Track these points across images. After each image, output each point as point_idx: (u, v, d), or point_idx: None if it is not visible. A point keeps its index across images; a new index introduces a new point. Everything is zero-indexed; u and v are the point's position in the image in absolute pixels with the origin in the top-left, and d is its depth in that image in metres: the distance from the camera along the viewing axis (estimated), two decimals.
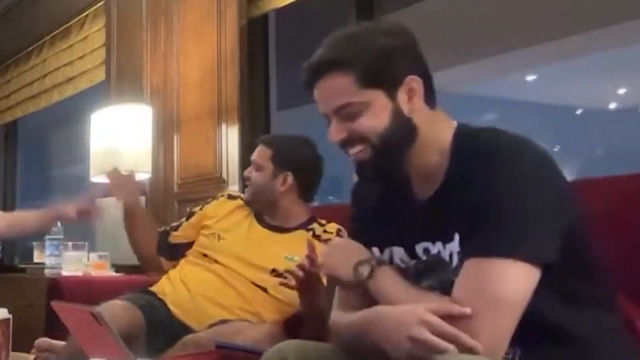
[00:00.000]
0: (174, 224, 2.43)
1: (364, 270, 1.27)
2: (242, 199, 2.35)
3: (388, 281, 1.25)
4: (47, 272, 3.27)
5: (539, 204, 1.16)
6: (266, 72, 3.37)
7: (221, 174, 3.28)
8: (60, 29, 4.75)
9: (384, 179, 1.37)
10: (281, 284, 2.10)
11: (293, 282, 2.07)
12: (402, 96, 1.26)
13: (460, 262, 1.20)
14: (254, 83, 3.29)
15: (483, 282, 1.13)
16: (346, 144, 1.30)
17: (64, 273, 3.11)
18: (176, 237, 2.36)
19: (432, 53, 1.36)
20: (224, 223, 2.26)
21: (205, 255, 2.21)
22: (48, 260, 3.29)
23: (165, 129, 3.62)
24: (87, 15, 4.47)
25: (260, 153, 2.23)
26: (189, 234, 2.33)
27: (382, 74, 1.25)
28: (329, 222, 2.20)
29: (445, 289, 1.20)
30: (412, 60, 1.28)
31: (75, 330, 1.68)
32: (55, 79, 4.81)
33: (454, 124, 1.32)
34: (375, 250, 1.37)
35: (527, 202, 1.15)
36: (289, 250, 2.12)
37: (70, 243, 3.21)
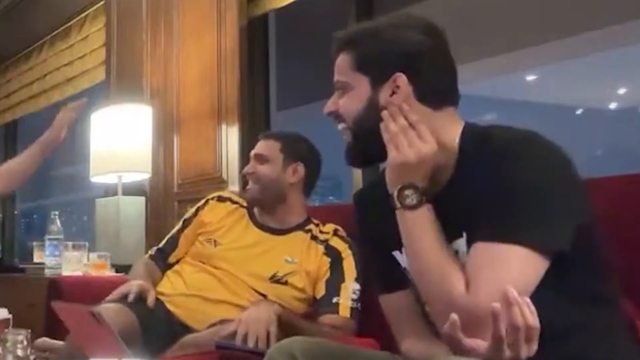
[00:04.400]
0: (164, 244, 2.34)
1: (413, 196, 1.23)
2: (231, 200, 2.32)
3: (427, 223, 1.22)
4: (47, 272, 3.26)
5: (551, 193, 1.16)
6: (266, 72, 3.37)
7: (221, 174, 3.28)
8: (60, 29, 4.76)
9: (368, 165, 1.39)
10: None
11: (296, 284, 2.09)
12: (386, 90, 1.29)
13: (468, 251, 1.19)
14: (254, 83, 3.30)
15: (488, 266, 1.13)
16: (334, 118, 1.37)
17: (64, 273, 3.11)
18: (177, 256, 2.31)
19: None
20: (220, 228, 2.23)
21: (202, 262, 2.19)
22: (48, 261, 3.28)
23: (165, 129, 3.62)
24: (87, 15, 4.47)
25: (268, 146, 2.21)
26: (187, 248, 2.29)
27: (372, 63, 1.30)
28: (324, 223, 2.19)
29: None
30: (410, 59, 1.28)
31: (75, 330, 1.68)
32: (55, 79, 4.82)
33: (462, 123, 1.32)
34: (397, 253, 1.35)
35: (538, 191, 1.15)
36: (289, 252, 2.12)
37: (70, 243, 3.20)
